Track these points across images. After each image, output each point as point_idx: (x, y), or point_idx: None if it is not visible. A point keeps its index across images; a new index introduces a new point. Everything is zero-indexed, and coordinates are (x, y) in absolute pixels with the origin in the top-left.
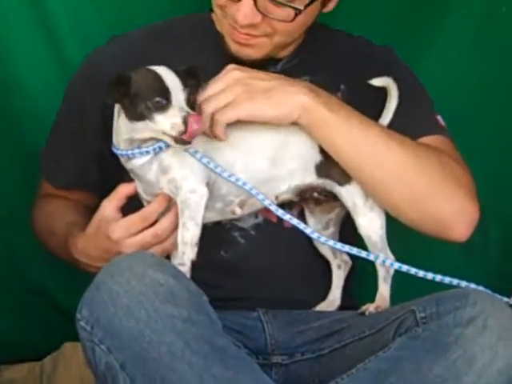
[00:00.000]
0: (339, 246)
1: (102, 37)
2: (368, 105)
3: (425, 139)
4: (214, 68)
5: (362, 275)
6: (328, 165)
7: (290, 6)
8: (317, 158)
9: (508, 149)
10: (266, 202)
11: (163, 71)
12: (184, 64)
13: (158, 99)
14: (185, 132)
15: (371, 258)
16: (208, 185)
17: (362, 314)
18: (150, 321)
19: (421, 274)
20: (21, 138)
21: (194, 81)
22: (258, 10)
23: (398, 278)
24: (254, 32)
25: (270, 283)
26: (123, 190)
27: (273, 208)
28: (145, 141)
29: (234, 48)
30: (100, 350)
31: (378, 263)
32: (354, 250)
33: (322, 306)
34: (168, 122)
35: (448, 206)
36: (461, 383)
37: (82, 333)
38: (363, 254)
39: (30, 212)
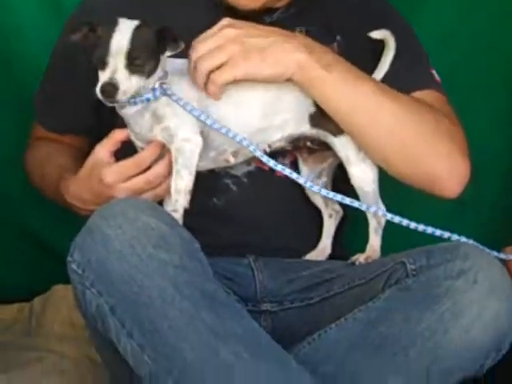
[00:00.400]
0: (332, 195)
1: None
2: (363, 56)
3: (419, 93)
4: (211, 18)
5: (352, 226)
6: (322, 115)
7: None
8: (311, 108)
9: (500, 107)
10: (258, 153)
11: (121, 28)
12: (176, 16)
13: (97, 57)
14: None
15: (363, 207)
16: (202, 134)
17: (353, 263)
18: (142, 265)
19: (412, 225)
20: (15, 81)
21: (164, 42)
22: None
23: (389, 230)
24: None
25: (261, 231)
26: (117, 136)
27: (264, 159)
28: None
29: None
30: (91, 293)
31: (369, 213)
32: (347, 200)
33: (312, 255)
34: (99, 82)
35: (441, 164)
36: (448, 336)
37: (73, 276)
38: (356, 203)
39: (22, 155)
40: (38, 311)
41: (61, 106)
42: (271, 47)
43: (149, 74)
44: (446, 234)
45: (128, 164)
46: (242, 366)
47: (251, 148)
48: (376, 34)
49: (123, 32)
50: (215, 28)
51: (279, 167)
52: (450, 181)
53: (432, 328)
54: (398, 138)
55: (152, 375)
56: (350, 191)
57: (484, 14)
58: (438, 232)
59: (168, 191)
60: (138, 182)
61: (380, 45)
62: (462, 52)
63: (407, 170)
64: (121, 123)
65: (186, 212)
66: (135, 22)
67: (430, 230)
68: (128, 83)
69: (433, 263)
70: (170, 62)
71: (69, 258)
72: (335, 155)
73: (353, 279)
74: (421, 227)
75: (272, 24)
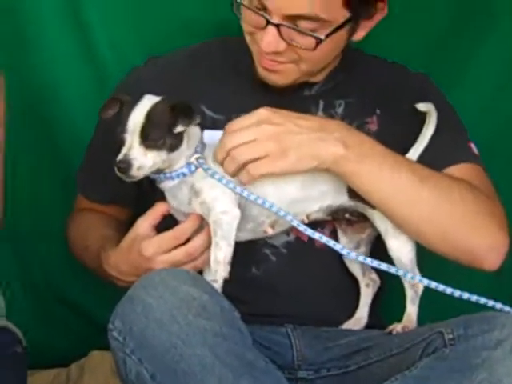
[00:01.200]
0: (369, 260)
1: (140, 56)
2: (402, 130)
3: (458, 167)
4: (247, 93)
5: (389, 295)
6: None
7: (311, 35)
8: None
9: None
10: (295, 222)
11: (141, 104)
12: (216, 91)
13: (117, 134)
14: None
15: (400, 273)
16: (239, 206)
17: (389, 333)
18: (182, 333)
19: (448, 291)
20: (59, 153)
21: (181, 116)
22: (282, 37)
23: (426, 300)
24: (279, 58)
25: (299, 300)
26: (158, 209)
27: (301, 228)
28: (170, 166)
29: (261, 73)
30: (131, 361)
31: (406, 283)
32: (384, 266)
33: (349, 324)
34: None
35: (480, 242)
36: None
37: (113, 343)
38: (392, 269)
39: (64, 226)
40: (74, 377)
41: (104, 177)
42: (309, 145)
43: (171, 149)
44: (483, 300)
45: (167, 237)
46: None
47: (288, 218)
48: (421, 107)
49: (141, 108)
50: (253, 118)
51: (317, 235)
52: (489, 256)
53: None
54: (437, 221)
55: None
56: (388, 261)
57: None
58: (474, 298)
59: (207, 262)
60: (178, 254)
61: (417, 120)
62: (499, 129)
63: (446, 249)
64: (160, 196)
65: (226, 281)
66: (157, 98)
67: (466, 295)
68: (143, 159)
69: (471, 333)
70: (209, 135)
71: (110, 326)
72: (373, 226)
73: (390, 348)
74: (457, 293)
75: (312, 97)
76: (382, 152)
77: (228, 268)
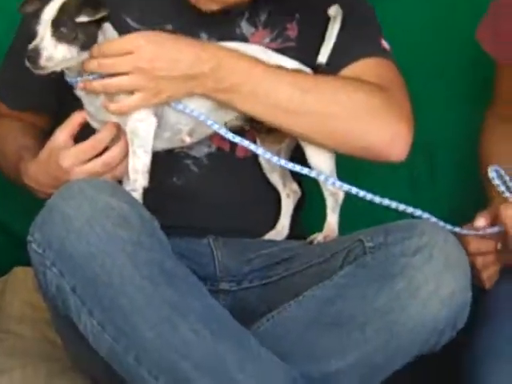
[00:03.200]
0: (290, 165)
1: None
2: (321, 34)
3: (364, 61)
4: (172, 4)
5: (310, 205)
6: None
7: None
8: None
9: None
10: (216, 127)
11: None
12: (140, 2)
13: (32, 28)
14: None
15: (321, 178)
16: (156, 114)
17: (311, 243)
18: (101, 244)
19: (368, 196)
20: None
21: (86, 6)
22: None
23: (345, 209)
24: None
25: (221, 211)
26: (75, 119)
27: (222, 131)
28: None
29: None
30: (51, 273)
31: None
32: (305, 170)
33: (270, 235)
34: None
35: (379, 135)
36: (405, 313)
37: (33, 256)
38: (313, 173)
39: None
40: None
41: (24, 84)
42: (180, 86)
43: (83, 46)
44: (402, 207)
45: (84, 147)
46: (202, 344)
47: (209, 122)
48: (331, 10)
49: (56, 2)
50: (127, 44)
51: (238, 139)
52: (393, 147)
53: (388, 305)
54: (330, 130)
55: (112, 353)
56: None
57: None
58: (393, 204)
59: (126, 172)
60: (95, 165)
61: None
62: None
63: (350, 150)
64: (81, 106)
65: (146, 191)
66: None
67: (386, 202)
68: (52, 50)
69: (390, 241)
70: None
71: (29, 238)
72: (293, 136)
73: (311, 258)
74: (377, 199)
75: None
76: (260, 72)
77: (147, 177)
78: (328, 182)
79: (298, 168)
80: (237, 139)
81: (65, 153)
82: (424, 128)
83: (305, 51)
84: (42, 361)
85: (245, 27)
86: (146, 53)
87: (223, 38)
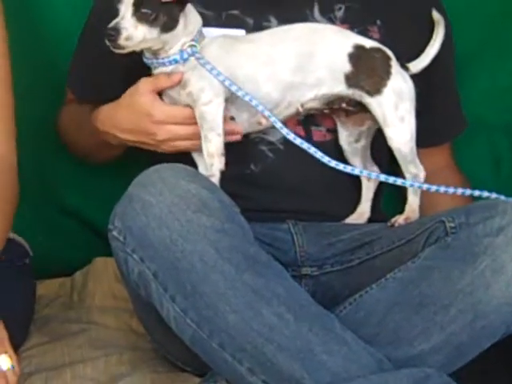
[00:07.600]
0: (357, 171)
1: None
2: (405, 41)
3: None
4: None
5: (391, 188)
6: (358, 74)
7: None
8: (346, 67)
9: None
10: (278, 125)
11: None
12: None
13: (113, 7)
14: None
15: (398, 183)
16: (232, 96)
17: (392, 225)
18: (183, 230)
19: (450, 191)
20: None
21: None
22: None
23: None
24: None
25: (299, 196)
26: (162, 80)
27: (284, 131)
28: (165, 51)
29: None
30: (133, 260)
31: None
32: (382, 177)
33: (351, 219)
34: None
35: None
36: (489, 291)
37: (114, 243)
38: (390, 179)
39: (56, 120)
40: (79, 285)
41: (94, 73)
42: None
43: (164, 28)
44: (485, 194)
45: (177, 112)
46: (285, 327)
47: (272, 119)
48: (434, 14)
49: None
50: None
51: (291, 136)
52: None
53: (472, 285)
54: None
55: (195, 339)
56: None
57: None
58: (476, 192)
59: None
60: (183, 130)
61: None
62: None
63: None
64: None
65: (224, 178)
66: None
67: (468, 192)
68: (132, 30)
69: (472, 221)
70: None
71: (110, 226)
72: (373, 118)
73: (392, 240)
74: (459, 191)
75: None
76: None
77: (223, 159)
78: (406, 184)
79: (365, 173)
80: (291, 136)
81: (160, 106)
82: (505, 108)
83: None
84: (125, 350)
85: (318, 18)
86: None
87: (293, 22)
